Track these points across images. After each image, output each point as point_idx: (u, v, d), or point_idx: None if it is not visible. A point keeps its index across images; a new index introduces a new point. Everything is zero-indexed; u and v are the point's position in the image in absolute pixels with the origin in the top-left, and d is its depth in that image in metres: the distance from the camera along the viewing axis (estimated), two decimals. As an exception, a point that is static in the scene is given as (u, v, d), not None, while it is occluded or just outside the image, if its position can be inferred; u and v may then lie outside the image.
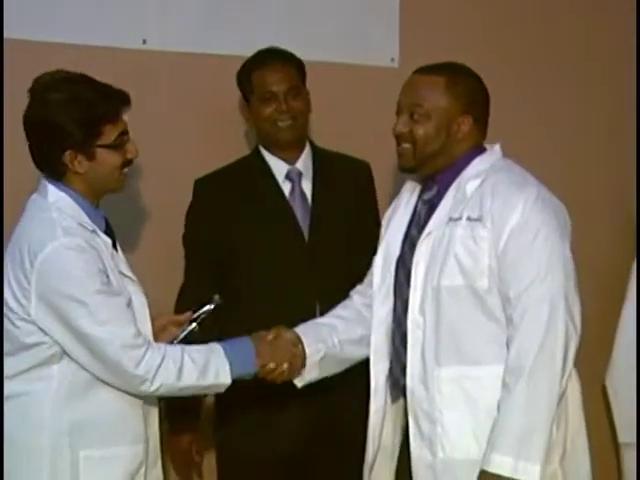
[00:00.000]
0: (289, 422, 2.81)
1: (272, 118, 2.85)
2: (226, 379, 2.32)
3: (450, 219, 2.34)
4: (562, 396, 2.26)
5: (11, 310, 2.22)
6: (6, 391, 2.25)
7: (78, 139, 2.22)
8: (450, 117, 2.38)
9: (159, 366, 2.23)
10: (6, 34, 2.94)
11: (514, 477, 2.20)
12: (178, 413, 2.84)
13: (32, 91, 2.28)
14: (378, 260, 2.51)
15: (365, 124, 3.30)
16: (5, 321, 2.25)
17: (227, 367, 2.32)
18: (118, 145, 2.27)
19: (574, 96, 3.65)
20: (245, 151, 3.10)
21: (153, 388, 2.24)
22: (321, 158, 2.96)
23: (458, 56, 3.42)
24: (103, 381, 2.25)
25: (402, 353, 2.40)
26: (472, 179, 2.36)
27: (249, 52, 2.97)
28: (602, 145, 3.71)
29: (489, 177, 2.35)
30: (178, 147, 3.13)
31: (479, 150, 2.43)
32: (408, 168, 2.44)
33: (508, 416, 2.22)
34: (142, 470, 2.32)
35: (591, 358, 3.50)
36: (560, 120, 3.63)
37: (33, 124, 2.27)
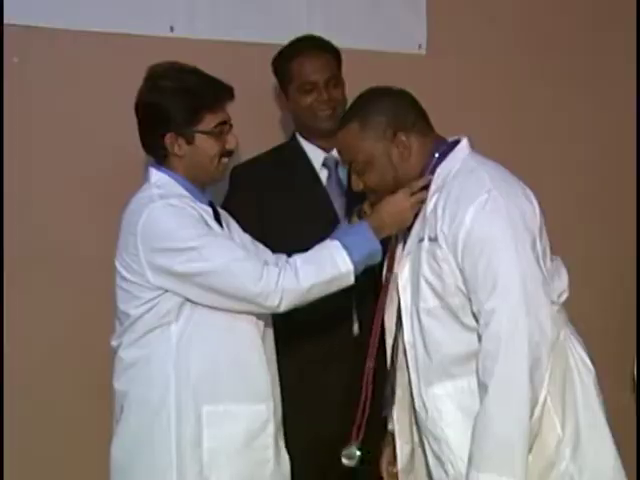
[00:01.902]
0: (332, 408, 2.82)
1: (312, 108, 2.86)
2: (346, 266, 2.36)
3: (419, 240, 2.29)
4: (537, 404, 2.14)
5: (131, 282, 2.38)
6: (130, 356, 2.41)
7: (179, 123, 2.39)
8: (384, 150, 2.31)
9: (278, 275, 2.34)
10: (32, 22, 2.96)
11: None
12: None
13: (146, 78, 2.47)
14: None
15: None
16: (122, 293, 2.41)
17: (344, 253, 2.36)
18: (217, 133, 2.42)
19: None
20: (276, 139, 3.10)
21: (278, 299, 2.35)
22: None
23: (484, 43, 3.44)
24: (234, 315, 2.38)
25: (391, 375, 2.41)
26: (433, 194, 2.28)
27: (279, 40, 2.97)
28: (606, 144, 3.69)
29: (444, 188, 2.25)
30: None
31: (441, 155, 2.34)
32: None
33: (480, 433, 2.14)
34: (270, 429, 2.42)
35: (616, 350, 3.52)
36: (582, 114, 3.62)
37: (142, 107, 2.45)
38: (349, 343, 2.83)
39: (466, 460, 2.20)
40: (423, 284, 2.26)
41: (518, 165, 3.41)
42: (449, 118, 3.34)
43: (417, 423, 2.36)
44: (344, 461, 2.50)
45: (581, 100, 3.60)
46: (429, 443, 2.31)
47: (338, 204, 2.89)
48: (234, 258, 2.34)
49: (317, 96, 2.84)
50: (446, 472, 2.28)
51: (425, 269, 2.25)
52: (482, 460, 2.13)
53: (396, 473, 2.48)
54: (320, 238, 2.74)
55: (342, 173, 2.92)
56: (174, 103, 2.39)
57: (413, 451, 2.45)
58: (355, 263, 2.36)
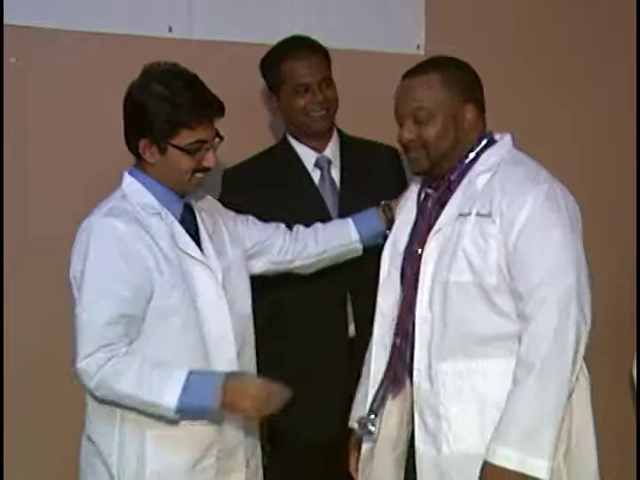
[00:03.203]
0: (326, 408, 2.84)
1: (306, 109, 2.86)
2: (170, 401, 2.26)
3: (460, 215, 2.32)
4: (572, 392, 2.24)
5: None
6: None
7: (155, 131, 2.35)
8: (454, 110, 2.36)
9: (102, 365, 2.27)
10: (30, 23, 2.96)
11: (520, 471, 2.18)
12: None
13: (142, 74, 2.43)
14: (385, 253, 2.51)
15: (391, 112, 3.28)
16: None
17: (177, 390, 2.26)
18: (192, 150, 2.36)
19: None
20: (272, 140, 3.10)
21: (92, 384, 2.30)
22: (349, 145, 2.97)
23: (482, 43, 3.44)
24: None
25: (405, 348, 2.40)
26: (483, 173, 2.35)
27: (276, 40, 2.97)
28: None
29: (499, 171, 2.34)
30: None
31: (489, 142, 2.42)
32: (423, 172, 2.43)
33: (517, 409, 2.20)
34: (213, 451, 2.38)
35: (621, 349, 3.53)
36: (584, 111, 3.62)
37: (128, 102, 2.42)
38: (344, 345, 2.83)
39: (464, 438, 2.27)
40: (460, 257, 2.30)
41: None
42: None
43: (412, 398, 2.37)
44: (356, 427, 2.50)
45: (581, 100, 3.61)
46: (423, 418, 2.33)
47: (331, 204, 2.89)
48: (90, 322, 2.28)
49: (311, 97, 2.85)
50: (438, 449, 2.31)
51: (466, 243, 2.29)
52: (512, 437, 2.19)
53: None
54: None
55: (334, 173, 2.92)
56: (156, 110, 2.35)
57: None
58: (182, 404, 2.27)
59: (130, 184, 2.43)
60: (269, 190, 2.87)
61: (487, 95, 3.41)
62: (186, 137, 2.35)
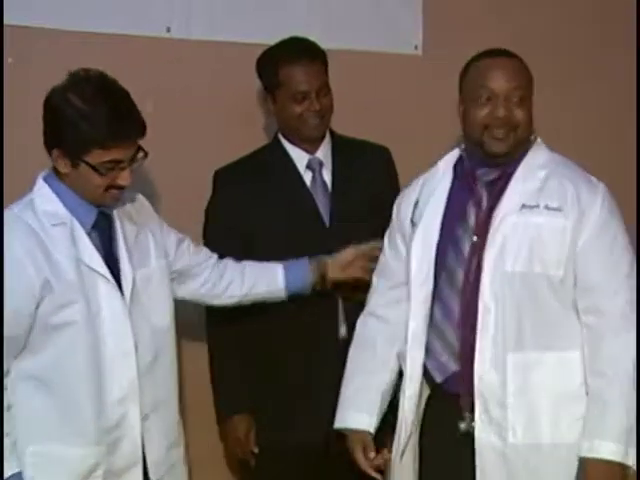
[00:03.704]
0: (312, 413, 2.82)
1: (302, 116, 2.82)
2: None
3: (524, 206, 2.35)
4: None
5: None
6: None
7: (67, 144, 2.25)
8: (531, 100, 2.43)
9: None
10: (28, 23, 2.95)
11: (623, 462, 2.28)
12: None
13: (68, 78, 2.30)
14: (417, 244, 2.47)
15: (389, 112, 3.29)
16: None
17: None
18: (103, 170, 2.26)
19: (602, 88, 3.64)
20: (267, 141, 3.10)
21: None
22: (340, 146, 2.95)
23: (480, 43, 3.41)
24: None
25: (453, 337, 2.40)
26: (540, 168, 2.40)
27: (274, 41, 2.95)
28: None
29: (557, 168, 2.40)
30: (200, 137, 3.13)
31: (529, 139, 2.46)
32: (502, 154, 2.41)
33: (613, 405, 2.28)
34: (98, 473, 2.31)
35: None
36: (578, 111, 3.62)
37: (46, 108, 2.31)
38: (335, 347, 2.81)
39: (534, 429, 2.31)
40: (528, 248, 2.33)
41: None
42: (445, 118, 3.36)
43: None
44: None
45: (581, 101, 3.60)
46: (486, 408, 2.34)
47: (322, 206, 2.86)
48: None
49: (308, 105, 2.81)
50: (504, 439, 2.33)
51: (535, 234, 2.33)
52: (614, 431, 2.27)
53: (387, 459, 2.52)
54: (305, 240, 2.81)
55: (326, 175, 2.91)
56: (70, 124, 2.23)
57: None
58: None
59: (39, 189, 2.34)
60: (260, 191, 2.85)
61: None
62: (97, 157, 2.25)
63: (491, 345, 2.33)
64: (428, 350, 2.43)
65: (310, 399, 2.80)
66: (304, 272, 2.72)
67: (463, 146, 2.51)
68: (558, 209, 2.33)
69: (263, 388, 2.86)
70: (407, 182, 3.08)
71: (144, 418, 2.37)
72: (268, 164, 2.89)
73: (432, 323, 2.43)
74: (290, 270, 2.71)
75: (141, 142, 2.35)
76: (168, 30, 3.11)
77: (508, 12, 3.46)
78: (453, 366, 2.40)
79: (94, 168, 2.25)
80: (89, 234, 2.34)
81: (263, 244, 2.82)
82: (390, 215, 2.69)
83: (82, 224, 2.33)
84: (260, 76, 2.92)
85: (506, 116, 2.36)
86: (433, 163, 3.23)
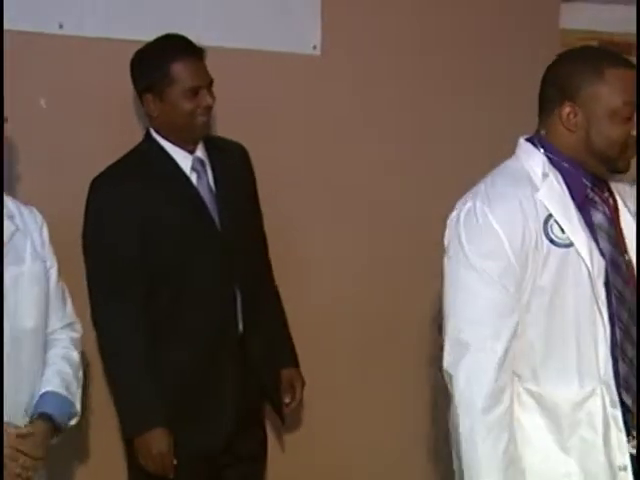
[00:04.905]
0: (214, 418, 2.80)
1: (194, 113, 2.76)
2: None
3: (632, 214, 2.36)
4: None
5: None
6: None
7: None
8: None
9: None
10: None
11: None
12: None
13: None
14: (577, 265, 2.27)
15: (288, 111, 3.28)
16: None
17: None
18: None
19: (497, 88, 3.67)
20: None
21: None
22: (210, 144, 2.89)
23: (379, 43, 3.45)
24: None
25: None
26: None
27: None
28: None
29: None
30: (91, 134, 3.07)
31: None
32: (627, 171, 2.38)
33: None
34: None
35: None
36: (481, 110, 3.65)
37: None
38: (236, 344, 2.81)
39: None
40: None
41: (414, 165, 3.47)
42: (343, 118, 3.38)
43: None
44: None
45: (478, 100, 3.62)
46: None
47: (211, 207, 2.81)
48: None
49: (199, 101, 2.75)
50: None
51: None
52: None
53: None
54: (200, 244, 2.77)
55: (210, 175, 2.85)
56: None
57: None
58: None
59: None
60: (150, 196, 2.76)
61: (382, 94, 3.46)
62: None
63: None
64: None
65: (213, 399, 2.78)
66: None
67: (553, 156, 2.34)
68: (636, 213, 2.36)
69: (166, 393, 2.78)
70: (313, 182, 3.09)
71: None
72: (150, 165, 2.80)
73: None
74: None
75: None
76: (60, 27, 3.03)
77: (406, 13, 3.48)
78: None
79: None
80: None
81: (162, 249, 2.76)
82: (259, 212, 2.92)
83: None
84: (141, 74, 2.81)
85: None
86: (332, 162, 3.25)
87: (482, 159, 3.58)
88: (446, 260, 2.28)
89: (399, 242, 3.44)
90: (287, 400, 3.04)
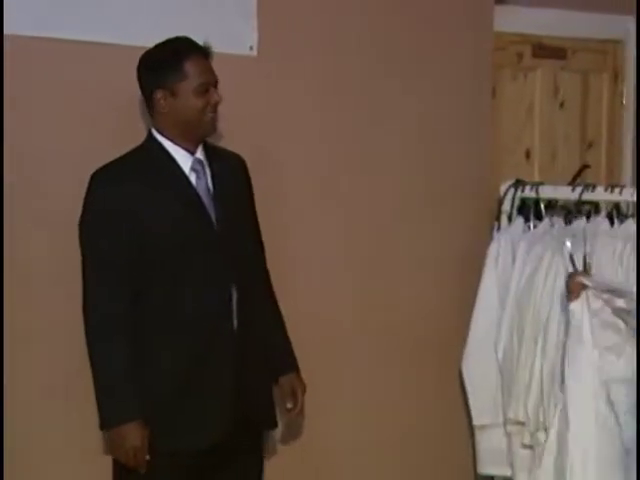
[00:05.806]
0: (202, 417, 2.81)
1: (204, 110, 2.82)
2: None
3: None
4: None
5: None
6: None
7: None
8: None
9: None
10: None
11: None
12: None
13: None
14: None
15: (224, 112, 3.27)
16: None
17: None
18: None
19: (433, 88, 3.71)
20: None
21: None
22: (210, 150, 2.94)
23: (316, 45, 3.46)
24: None
25: None
26: None
27: (103, 39, 2.97)
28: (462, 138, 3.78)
29: None
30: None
31: None
32: None
33: None
34: None
35: (448, 345, 3.63)
36: (418, 109, 3.68)
37: None
38: (231, 341, 2.83)
39: None
40: None
41: (353, 167, 3.49)
42: (279, 119, 3.38)
43: None
44: None
45: (414, 100, 3.66)
46: None
47: (209, 207, 2.85)
48: None
49: (209, 99, 2.82)
50: None
51: None
52: None
53: None
54: (197, 243, 2.81)
55: (209, 176, 2.88)
56: None
57: None
58: None
59: None
60: (149, 195, 2.79)
61: (320, 96, 3.47)
62: None
63: None
64: None
65: (206, 394, 2.81)
66: None
67: None
68: None
69: (149, 388, 2.78)
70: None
71: None
72: (152, 165, 2.84)
73: None
74: None
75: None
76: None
77: (342, 14, 3.49)
78: None
79: None
80: None
81: (159, 247, 2.78)
82: (253, 217, 3.00)
83: None
84: (153, 72, 2.83)
85: None
86: (267, 162, 3.26)
87: (417, 152, 3.68)
88: None
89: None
90: (289, 406, 3.07)
